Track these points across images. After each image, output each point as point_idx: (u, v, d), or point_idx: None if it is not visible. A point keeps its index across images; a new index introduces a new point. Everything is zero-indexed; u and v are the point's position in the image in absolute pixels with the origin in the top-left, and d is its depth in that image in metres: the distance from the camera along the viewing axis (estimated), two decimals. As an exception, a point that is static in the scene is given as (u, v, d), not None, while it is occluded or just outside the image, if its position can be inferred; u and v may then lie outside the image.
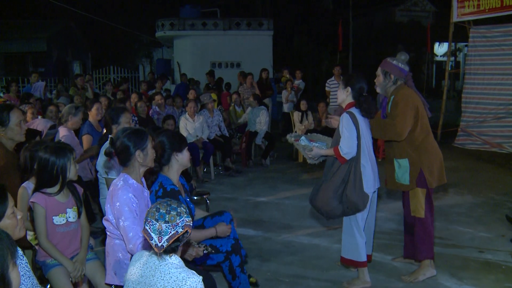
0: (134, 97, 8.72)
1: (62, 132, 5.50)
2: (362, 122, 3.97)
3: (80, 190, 3.41)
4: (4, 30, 20.45)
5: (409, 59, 4.34)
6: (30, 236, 3.58)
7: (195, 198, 5.32)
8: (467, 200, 6.64)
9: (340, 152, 3.89)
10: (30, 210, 3.18)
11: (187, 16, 18.98)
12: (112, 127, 4.55)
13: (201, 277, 2.20)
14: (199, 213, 4.03)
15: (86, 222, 3.43)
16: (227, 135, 9.08)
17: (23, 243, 3.59)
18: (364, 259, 4.09)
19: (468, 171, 8.44)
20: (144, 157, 3.10)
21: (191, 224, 2.28)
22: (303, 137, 4.41)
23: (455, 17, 10.41)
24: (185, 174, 5.69)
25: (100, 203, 4.60)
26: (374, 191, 4.10)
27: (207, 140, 8.28)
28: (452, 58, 22.56)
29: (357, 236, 4.06)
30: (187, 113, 8.34)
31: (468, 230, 5.48)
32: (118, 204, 2.95)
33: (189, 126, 8.14)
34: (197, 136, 8.12)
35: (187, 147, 3.59)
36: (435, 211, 4.27)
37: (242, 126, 10.07)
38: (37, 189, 3.13)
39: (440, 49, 26.04)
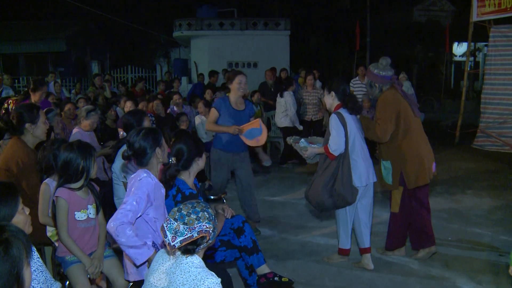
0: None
1: (74, 133, 5.60)
2: (351, 121, 4.27)
3: (97, 188, 3.47)
4: (24, 31, 20.75)
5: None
6: (50, 232, 3.63)
7: (212, 197, 5.34)
8: (486, 202, 6.55)
9: (329, 149, 4.22)
10: (53, 205, 3.23)
11: (204, 16, 19.04)
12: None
13: (219, 279, 2.22)
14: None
15: (104, 219, 3.49)
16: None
17: (43, 240, 3.65)
18: (344, 247, 4.51)
19: (487, 173, 8.33)
20: (162, 153, 3.17)
21: (211, 231, 2.28)
22: (302, 140, 4.66)
23: (474, 17, 10.27)
24: (200, 174, 5.73)
25: (115, 203, 4.61)
26: (367, 185, 4.34)
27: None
28: (472, 58, 22.27)
29: (341, 225, 4.44)
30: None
31: (487, 232, 5.41)
32: (133, 189, 2.99)
33: (204, 125, 8.14)
34: (213, 135, 8.12)
35: (204, 150, 3.64)
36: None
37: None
38: (60, 184, 3.19)
39: (459, 49, 25.72)
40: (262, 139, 5.31)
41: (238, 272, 3.90)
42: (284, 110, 9.03)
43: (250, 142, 5.27)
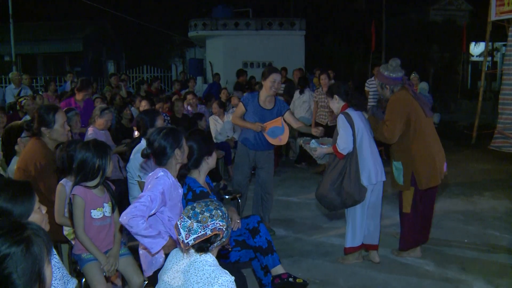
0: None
1: (89, 132, 5.66)
2: (359, 120, 4.33)
3: (113, 187, 3.50)
4: (42, 31, 21.04)
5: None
6: (66, 231, 3.67)
7: (227, 197, 5.34)
8: (504, 204, 6.46)
9: (337, 149, 4.29)
10: (69, 203, 3.26)
11: (219, 16, 19.11)
12: (148, 131, 4.53)
13: (233, 278, 2.23)
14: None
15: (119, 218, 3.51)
16: (260, 134, 8.97)
17: (60, 238, 3.69)
18: (350, 245, 4.52)
19: (505, 174, 8.22)
20: (182, 154, 3.20)
21: (224, 229, 2.29)
22: (313, 141, 4.69)
23: (493, 16, 10.13)
24: (215, 174, 5.74)
25: (130, 202, 4.64)
26: (376, 183, 4.37)
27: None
28: (489, 58, 22.03)
29: (351, 224, 4.48)
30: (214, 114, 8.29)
31: (505, 235, 5.33)
32: (149, 186, 3.01)
33: (218, 126, 8.14)
34: (227, 136, 8.14)
35: (214, 149, 3.65)
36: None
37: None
38: (77, 183, 3.22)
39: (476, 49, 25.46)
40: (284, 138, 5.32)
41: (253, 272, 3.90)
42: (303, 107, 9.05)
43: (273, 141, 5.27)
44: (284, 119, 5.34)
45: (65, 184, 3.56)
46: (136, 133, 5.05)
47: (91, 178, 3.23)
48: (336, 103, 4.48)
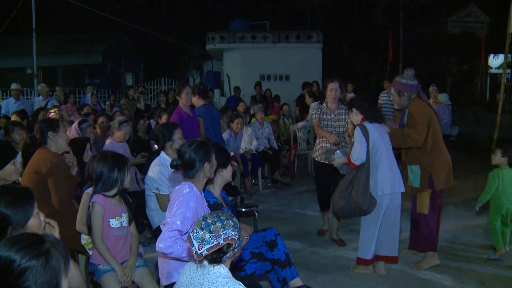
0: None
1: (107, 143, 5.77)
2: (375, 132, 4.42)
3: (129, 199, 3.55)
4: (62, 44, 21.43)
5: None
6: (84, 240, 3.70)
7: (243, 210, 5.35)
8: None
9: (351, 159, 4.42)
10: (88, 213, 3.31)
11: (237, 28, 19.24)
12: (166, 145, 4.59)
13: None
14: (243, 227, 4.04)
15: (135, 230, 3.56)
16: (276, 147, 9.01)
17: (78, 247, 3.74)
18: (363, 256, 4.55)
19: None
20: (210, 169, 3.22)
21: (237, 239, 2.29)
22: (338, 151, 4.80)
23: (512, 27, 10.02)
24: (231, 188, 5.73)
25: (147, 214, 4.68)
26: (393, 193, 4.42)
27: (256, 152, 8.30)
28: (508, 70, 21.76)
29: (364, 234, 4.54)
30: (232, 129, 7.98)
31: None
32: (176, 206, 3.01)
33: (229, 140, 7.88)
34: (245, 147, 8.16)
35: (230, 163, 3.65)
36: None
37: (290, 139, 10.05)
38: (96, 192, 3.29)
39: (495, 61, 25.16)
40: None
41: (270, 285, 3.88)
42: None
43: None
44: None
45: (91, 193, 3.62)
46: (155, 146, 5.10)
47: (110, 189, 3.29)
48: (355, 116, 4.60)
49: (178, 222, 2.91)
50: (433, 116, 4.63)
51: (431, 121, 4.57)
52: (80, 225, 3.58)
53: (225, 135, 7.72)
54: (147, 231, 5.70)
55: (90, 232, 3.29)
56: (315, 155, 5.65)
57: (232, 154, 7.60)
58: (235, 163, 7.37)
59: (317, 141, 5.64)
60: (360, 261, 4.60)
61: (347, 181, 4.51)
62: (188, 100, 6.00)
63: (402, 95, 4.71)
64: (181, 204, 3.00)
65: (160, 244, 2.87)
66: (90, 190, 3.53)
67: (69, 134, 5.54)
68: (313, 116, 5.58)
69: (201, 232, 2.24)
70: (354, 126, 4.56)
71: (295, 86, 12.02)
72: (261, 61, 18.49)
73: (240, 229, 2.35)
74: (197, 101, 6.48)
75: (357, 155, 4.38)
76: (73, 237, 3.71)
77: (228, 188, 3.77)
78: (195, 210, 3.05)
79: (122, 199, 3.42)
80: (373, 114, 4.55)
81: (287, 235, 5.71)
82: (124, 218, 3.37)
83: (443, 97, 9.75)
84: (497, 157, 5.13)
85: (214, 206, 3.41)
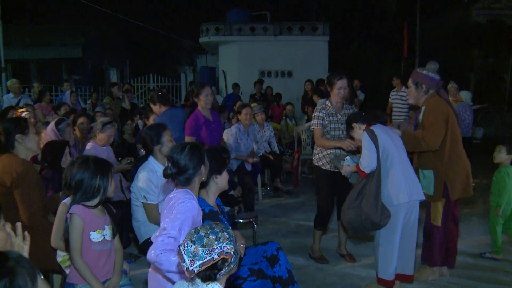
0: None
1: (88, 147, 5.74)
2: (385, 136, 4.40)
3: (114, 210, 3.52)
4: (37, 35, 21.23)
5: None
6: (60, 257, 3.68)
7: (241, 221, 5.34)
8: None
9: (360, 167, 4.42)
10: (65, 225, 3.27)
11: (234, 19, 19.24)
12: (154, 149, 4.58)
13: None
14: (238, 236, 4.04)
15: (120, 244, 3.53)
16: (278, 152, 8.91)
17: (53, 266, 3.70)
18: (385, 277, 4.44)
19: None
20: (205, 171, 3.25)
21: (232, 253, 2.28)
22: (348, 157, 4.80)
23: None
24: (228, 197, 5.69)
25: (133, 227, 4.65)
26: (409, 202, 4.36)
27: (254, 157, 8.27)
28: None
29: (381, 250, 4.47)
30: (240, 122, 7.72)
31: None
32: (174, 212, 3.01)
33: (239, 137, 7.68)
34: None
35: (226, 169, 3.66)
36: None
37: (293, 142, 10.05)
38: (76, 202, 3.24)
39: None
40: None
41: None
42: None
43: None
44: None
45: (68, 203, 3.58)
46: (142, 151, 5.08)
47: (91, 198, 3.26)
48: (358, 130, 4.59)
49: (177, 229, 2.91)
50: (452, 116, 4.61)
51: (449, 121, 4.55)
52: (55, 240, 3.56)
53: (231, 131, 7.50)
54: (133, 246, 5.69)
55: (67, 247, 3.24)
56: (320, 162, 5.38)
57: (252, 151, 7.62)
58: (250, 160, 7.32)
59: (319, 148, 5.41)
60: (380, 282, 4.52)
61: (356, 191, 4.48)
62: (207, 102, 5.84)
63: (420, 87, 4.69)
64: (183, 209, 3.00)
65: (151, 252, 2.85)
66: (67, 200, 3.51)
67: (44, 136, 5.51)
68: (314, 125, 5.31)
69: (193, 246, 2.22)
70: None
71: (299, 83, 12.02)
72: (261, 56, 18.48)
73: (237, 243, 2.34)
74: (159, 109, 6.55)
75: (367, 162, 4.36)
76: (47, 254, 3.67)
77: (224, 197, 3.76)
78: (196, 221, 3.05)
79: (105, 210, 3.39)
80: (373, 116, 4.58)
81: (290, 249, 5.71)
82: (107, 231, 3.34)
83: (466, 95, 9.73)
84: (502, 155, 5.32)
85: (210, 215, 3.40)
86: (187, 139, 5.63)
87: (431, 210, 4.79)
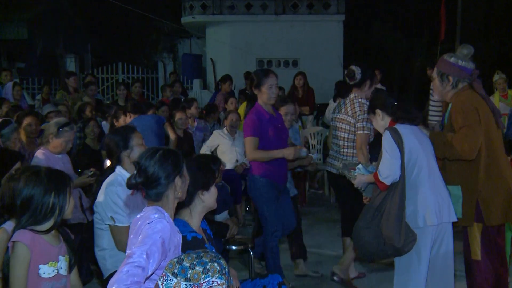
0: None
1: (39, 156, 5.61)
2: (413, 138, 4.30)
3: (72, 235, 3.48)
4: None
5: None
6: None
7: (234, 248, 5.32)
8: None
9: (379, 177, 4.28)
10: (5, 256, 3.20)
11: (226, -6, 19.24)
12: (122, 156, 4.55)
13: None
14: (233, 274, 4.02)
15: (79, 280, 3.51)
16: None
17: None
18: None
19: None
20: (182, 185, 3.22)
21: None
22: (360, 166, 4.71)
23: None
24: (220, 226, 5.61)
25: (97, 256, 4.59)
26: (440, 225, 4.26)
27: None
28: None
29: (400, 278, 4.37)
30: (225, 128, 8.17)
31: None
32: (141, 236, 2.97)
33: (225, 146, 8.07)
34: (237, 160, 8.10)
35: (215, 184, 3.65)
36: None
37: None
38: (22, 226, 3.16)
39: None
40: None
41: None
42: None
43: None
44: None
45: (8, 228, 3.52)
46: (107, 162, 5.05)
47: (42, 221, 3.18)
48: (380, 120, 4.54)
49: (144, 256, 2.86)
50: (489, 116, 4.43)
51: (487, 123, 4.38)
52: None
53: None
54: (95, 282, 5.64)
55: (6, 286, 3.16)
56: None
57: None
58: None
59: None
60: None
61: (373, 208, 4.37)
62: (271, 96, 5.57)
63: (446, 80, 4.53)
64: (151, 231, 2.95)
65: (114, 286, 2.77)
66: (9, 224, 3.44)
67: None
68: (363, 128, 5.41)
69: (174, 279, 2.22)
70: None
71: (307, 75, 11.84)
72: (258, 41, 18.53)
73: (230, 276, 2.33)
74: (128, 120, 6.74)
75: (388, 171, 4.26)
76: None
77: (215, 225, 3.75)
78: (170, 239, 3.02)
79: (60, 236, 3.34)
80: (406, 114, 4.43)
81: (296, 283, 5.68)
82: (63, 263, 3.28)
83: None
84: None
85: (193, 244, 3.38)
86: (249, 140, 5.43)
87: (468, 239, 4.57)
